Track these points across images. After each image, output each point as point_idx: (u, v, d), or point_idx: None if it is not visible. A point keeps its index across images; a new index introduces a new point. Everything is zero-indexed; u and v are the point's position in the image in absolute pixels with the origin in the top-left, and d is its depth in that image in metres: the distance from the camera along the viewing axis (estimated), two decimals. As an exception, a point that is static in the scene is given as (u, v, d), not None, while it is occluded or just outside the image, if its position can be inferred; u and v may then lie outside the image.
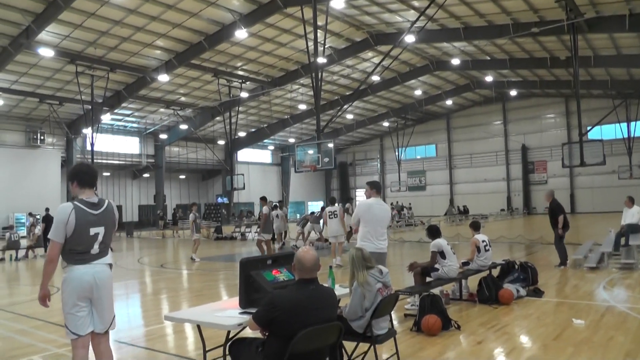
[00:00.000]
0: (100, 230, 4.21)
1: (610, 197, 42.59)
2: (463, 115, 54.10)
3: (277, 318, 3.61)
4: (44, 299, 4.41)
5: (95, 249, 4.20)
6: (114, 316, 4.39)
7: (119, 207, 44.64)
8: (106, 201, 4.35)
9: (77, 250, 4.14)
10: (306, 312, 3.65)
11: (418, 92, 43.38)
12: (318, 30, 21.08)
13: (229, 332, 4.27)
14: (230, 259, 17.46)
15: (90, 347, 4.31)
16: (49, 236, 4.15)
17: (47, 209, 22.38)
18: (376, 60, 32.51)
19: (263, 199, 16.63)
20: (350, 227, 19.77)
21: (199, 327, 4.48)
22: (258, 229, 16.87)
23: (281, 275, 4.51)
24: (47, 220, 20.11)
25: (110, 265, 4.38)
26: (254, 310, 4.01)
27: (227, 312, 4.36)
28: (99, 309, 4.24)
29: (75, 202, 4.18)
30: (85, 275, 4.14)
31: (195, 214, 17.21)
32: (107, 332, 4.35)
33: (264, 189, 54.19)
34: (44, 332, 7.49)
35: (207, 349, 4.56)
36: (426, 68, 36.98)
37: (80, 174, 4.31)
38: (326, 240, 18.68)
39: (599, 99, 40.29)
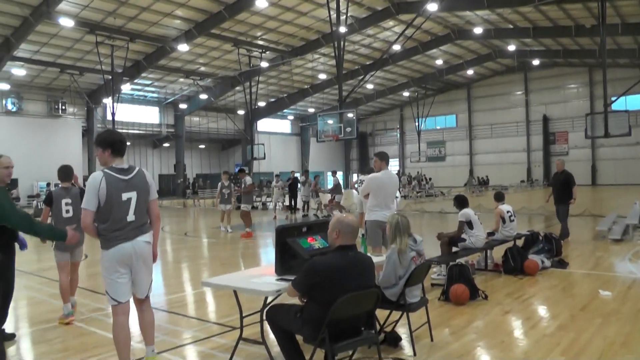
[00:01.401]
0: (133, 195, 4.22)
1: (634, 169, 42.15)
2: (484, 85, 53.42)
3: (318, 284, 3.68)
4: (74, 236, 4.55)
5: (131, 215, 4.21)
6: (151, 281, 4.52)
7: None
8: (137, 168, 4.40)
9: (114, 220, 4.15)
10: (346, 278, 3.72)
11: (439, 62, 42.88)
12: (340, -1, 20.88)
13: (266, 298, 4.36)
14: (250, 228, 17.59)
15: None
16: (82, 206, 4.16)
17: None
18: (397, 29, 32.12)
19: (241, 171, 16.42)
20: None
21: (235, 293, 4.57)
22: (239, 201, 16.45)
23: (316, 242, 4.56)
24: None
25: (150, 244, 4.40)
26: (290, 277, 4.09)
27: (264, 278, 4.44)
28: (140, 276, 4.33)
29: (105, 170, 4.22)
30: (125, 247, 4.19)
31: (224, 182, 16.12)
32: (147, 297, 4.49)
33: (284, 158, 54.48)
34: (76, 296, 7.66)
35: (243, 315, 4.67)
36: (448, 37, 36.51)
37: (116, 143, 4.33)
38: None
39: (625, 69, 39.48)
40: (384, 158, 7.41)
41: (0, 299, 4.87)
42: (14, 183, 32.88)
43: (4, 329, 5.16)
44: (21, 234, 4.98)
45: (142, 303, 4.48)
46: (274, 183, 24.43)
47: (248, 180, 15.74)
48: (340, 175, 61.21)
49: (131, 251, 4.20)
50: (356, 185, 16.31)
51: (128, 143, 44.84)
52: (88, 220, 4.13)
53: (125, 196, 4.17)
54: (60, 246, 6.13)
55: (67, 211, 6.29)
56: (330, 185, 22.74)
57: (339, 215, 4.06)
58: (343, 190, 21.65)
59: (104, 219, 4.16)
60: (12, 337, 5.66)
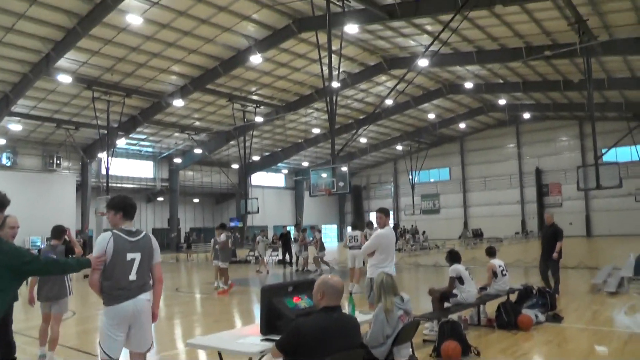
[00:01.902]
0: (137, 256, 4.48)
1: (628, 220, 42.21)
2: (477, 138, 54.05)
3: (302, 345, 3.61)
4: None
5: (133, 275, 4.43)
6: (152, 341, 4.68)
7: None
8: (144, 232, 4.70)
9: (116, 278, 4.37)
10: (331, 339, 3.65)
11: (431, 116, 43.47)
12: (332, 55, 21.27)
13: (250, 359, 4.27)
14: (244, 283, 17.42)
15: None
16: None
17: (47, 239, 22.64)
18: (390, 84, 32.71)
19: (219, 227, 15.76)
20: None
21: (219, 353, 4.49)
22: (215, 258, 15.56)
23: (302, 302, 4.51)
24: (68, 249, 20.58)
25: (149, 302, 4.60)
26: (275, 337, 4.02)
27: (248, 338, 4.36)
28: (138, 332, 4.49)
29: (115, 231, 4.53)
30: (126, 306, 4.39)
31: (217, 238, 15.36)
32: (144, 354, 4.62)
33: (278, 212, 54.44)
34: (61, 357, 7.50)
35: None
36: (439, 91, 37.13)
37: (128, 207, 4.67)
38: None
39: (614, 122, 40.09)
40: (388, 214, 7.60)
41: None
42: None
43: None
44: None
45: (139, 358, 4.59)
46: (258, 238, 24.39)
47: (222, 237, 15.20)
48: (334, 228, 61.16)
49: (132, 309, 4.40)
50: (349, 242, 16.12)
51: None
52: (96, 278, 4.39)
53: (129, 256, 4.45)
54: (42, 298, 6.49)
55: None
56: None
57: (324, 276, 4.02)
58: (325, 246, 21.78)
59: (107, 276, 4.39)
60: None
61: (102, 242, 4.41)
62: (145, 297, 4.53)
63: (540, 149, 50.13)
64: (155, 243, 4.73)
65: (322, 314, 3.82)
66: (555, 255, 11.46)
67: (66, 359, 7.30)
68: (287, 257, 24.55)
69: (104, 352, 4.38)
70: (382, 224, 7.50)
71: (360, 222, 18.80)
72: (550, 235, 11.82)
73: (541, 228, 48.29)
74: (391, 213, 56.58)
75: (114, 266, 4.38)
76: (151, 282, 4.63)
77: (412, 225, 45.10)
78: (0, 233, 5.18)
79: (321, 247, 21.20)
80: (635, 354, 6.74)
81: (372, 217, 62.44)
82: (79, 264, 4.45)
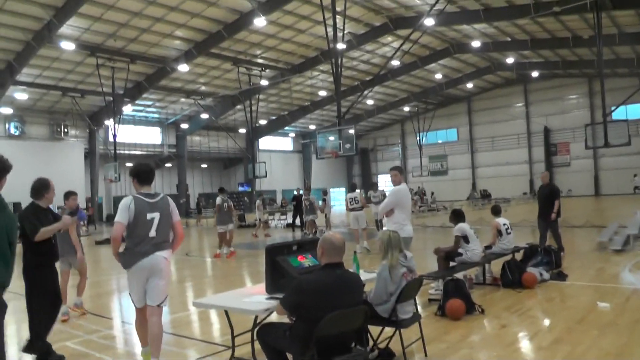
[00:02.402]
0: (156, 215, 5.02)
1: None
2: (484, 98, 53.54)
3: (305, 302, 3.69)
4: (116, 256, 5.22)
5: (153, 232, 4.99)
6: (166, 296, 5.10)
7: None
8: (162, 194, 5.24)
9: (138, 235, 4.94)
10: (333, 296, 3.73)
11: (438, 76, 43.05)
12: (337, 16, 21.03)
13: (256, 317, 4.37)
14: (253, 247, 17.60)
15: None
16: (115, 220, 4.96)
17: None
18: (396, 44, 32.30)
19: (219, 191, 15.54)
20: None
21: (226, 312, 4.59)
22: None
23: (306, 261, 4.59)
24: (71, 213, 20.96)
25: (166, 259, 5.10)
26: (280, 296, 4.10)
27: (254, 297, 4.45)
28: (153, 284, 4.99)
29: (135, 194, 5.11)
30: (144, 262, 4.94)
31: (223, 197, 15.08)
32: (159, 307, 5.05)
33: (285, 176, 54.58)
34: (74, 318, 7.69)
35: (234, 334, 4.67)
36: (446, 51, 36.68)
37: (141, 173, 5.22)
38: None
39: (624, 78, 39.53)
40: (402, 172, 7.50)
41: (50, 309, 5.54)
42: (17, 206, 32.98)
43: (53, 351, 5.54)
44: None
45: (153, 314, 5.00)
46: (258, 202, 24.00)
47: (217, 200, 15.09)
48: (342, 191, 61.28)
49: (148, 265, 4.94)
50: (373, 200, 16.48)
51: (129, 164, 45.27)
52: (119, 232, 4.93)
53: (149, 216, 4.99)
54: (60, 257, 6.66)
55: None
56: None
57: (326, 233, 4.08)
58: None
59: (130, 234, 4.98)
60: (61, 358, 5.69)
61: (126, 204, 4.97)
62: (162, 254, 5.02)
63: (549, 107, 49.63)
64: (172, 204, 5.24)
65: (324, 271, 3.90)
66: (553, 215, 11.22)
67: (77, 320, 7.47)
68: (298, 220, 24.24)
69: (133, 302, 5.12)
70: (398, 181, 7.41)
71: (354, 184, 18.80)
72: (547, 195, 11.54)
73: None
74: (399, 175, 56.64)
75: (136, 224, 4.93)
76: (171, 238, 5.21)
77: (419, 187, 45.13)
78: (45, 197, 5.74)
79: (312, 210, 21.07)
80: (635, 308, 6.81)
81: (380, 179, 62.71)
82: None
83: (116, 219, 4.96)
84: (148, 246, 4.95)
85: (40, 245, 5.48)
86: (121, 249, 5.02)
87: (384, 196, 17.98)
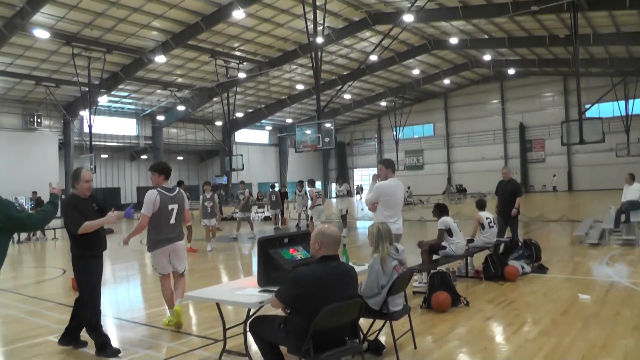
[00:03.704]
0: (175, 206, 6.26)
1: (609, 175, 42.83)
2: (461, 94, 54.04)
3: (301, 295, 3.67)
4: (127, 241, 6.54)
5: (172, 219, 6.24)
6: (185, 265, 6.69)
7: (117, 189, 44.70)
8: (177, 188, 6.46)
9: (162, 222, 6.15)
10: (329, 288, 3.72)
11: (416, 72, 43.24)
12: (317, 10, 20.95)
13: (249, 310, 4.33)
14: (230, 240, 17.49)
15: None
16: (142, 212, 6.08)
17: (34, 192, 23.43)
18: (374, 40, 32.40)
19: (206, 184, 15.26)
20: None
21: (218, 305, 4.55)
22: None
23: (298, 253, 4.56)
24: (38, 204, 22.04)
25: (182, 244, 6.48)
26: (273, 289, 4.08)
27: (246, 290, 4.42)
28: (177, 262, 6.48)
29: (158, 189, 6.19)
30: (164, 249, 6.27)
31: (206, 195, 14.63)
32: (183, 274, 6.62)
33: (262, 169, 54.39)
34: (55, 312, 7.56)
35: (226, 327, 4.63)
36: (424, 47, 36.88)
37: (168, 171, 6.40)
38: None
39: (598, 77, 40.25)
40: (389, 165, 7.03)
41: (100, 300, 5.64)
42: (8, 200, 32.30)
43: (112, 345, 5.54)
44: (131, 207, 6.26)
45: (180, 277, 6.59)
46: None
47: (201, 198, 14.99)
48: (319, 184, 61.28)
49: (170, 250, 6.33)
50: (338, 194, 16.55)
51: (105, 156, 44.88)
52: (145, 222, 6.14)
53: (170, 207, 6.21)
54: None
55: None
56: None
57: (321, 226, 4.06)
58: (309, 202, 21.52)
59: (155, 222, 6.15)
60: (84, 344, 5.67)
61: (152, 196, 6.07)
62: (180, 243, 6.45)
63: (524, 104, 50.32)
64: (184, 196, 6.54)
65: (320, 264, 3.88)
66: (514, 211, 11.17)
67: (59, 315, 7.36)
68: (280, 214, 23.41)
69: (159, 272, 6.40)
70: (383, 175, 6.95)
71: (341, 176, 18.96)
72: (510, 191, 11.38)
73: (524, 183, 49.05)
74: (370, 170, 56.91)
75: (160, 214, 6.10)
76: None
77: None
78: (77, 187, 5.55)
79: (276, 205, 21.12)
80: (615, 300, 6.94)
81: (357, 173, 62.90)
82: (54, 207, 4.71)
83: (143, 211, 6.04)
84: (169, 233, 6.22)
85: (84, 236, 5.36)
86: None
87: (349, 191, 18.05)
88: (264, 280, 4.42)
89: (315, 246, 3.93)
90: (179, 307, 6.26)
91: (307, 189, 16.52)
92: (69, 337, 5.63)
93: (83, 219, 5.32)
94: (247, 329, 4.27)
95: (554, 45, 32.48)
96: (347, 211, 18.42)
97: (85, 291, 5.43)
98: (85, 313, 5.43)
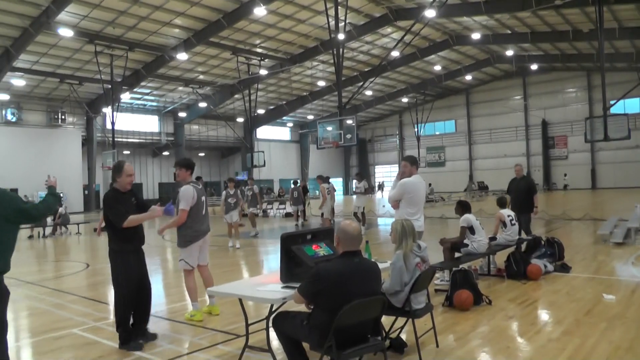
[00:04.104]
0: (204, 198, 6.74)
1: (633, 172, 42.20)
2: (483, 90, 53.55)
3: (323, 290, 3.68)
4: (162, 231, 6.95)
5: (204, 210, 6.72)
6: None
7: (139, 185, 45.16)
8: (200, 182, 7.19)
9: (197, 214, 6.56)
10: (351, 284, 3.72)
11: (437, 68, 42.98)
12: (338, 6, 20.91)
13: (271, 305, 4.36)
14: (251, 237, 17.55)
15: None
16: (181, 207, 6.41)
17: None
18: (395, 35, 32.24)
19: (230, 180, 15.29)
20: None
21: (240, 301, 4.58)
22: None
23: (321, 250, 4.56)
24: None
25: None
26: (295, 285, 4.09)
27: (269, 286, 4.44)
28: (203, 253, 6.85)
29: (192, 184, 6.57)
30: (197, 244, 6.64)
31: (229, 191, 14.50)
32: (207, 264, 6.99)
33: (283, 165, 54.55)
34: (79, 305, 7.69)
35: (249, 322, 4.66)
36: (446, 43, 36.62)
37: (193, 166, 6.80)
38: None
39: (623, 72, 39.55)
40: (414, 162, 6.99)
41: (135, 296, 5.61)
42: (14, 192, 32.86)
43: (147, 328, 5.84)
44: (170, 205, 6.23)
45: (206, 269, 6.96)
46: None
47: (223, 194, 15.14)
48: (339, 181, 61.22)
49: (202, 243, 6.71)
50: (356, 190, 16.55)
51: (127, 152, 45.33)
52: (185, 217, 6.45)
53: (202, 199, 6.66)
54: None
55: None
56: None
57: (342, 222, 4.08)
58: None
59: (194, 215, 6.51)
60: (154, 337, 5.77)
61: (190, 192, 6.45)
62: (209, 234, 6.87)
63: (547, 100, 49.70)
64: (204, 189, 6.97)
65: (342, 259, 3.88)
66: (536, 210, 10.92)
67: (83, 308, 7.47)
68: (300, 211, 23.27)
69: (188, 264, 6.63)
70: (408, 172, 6.87)
71: (359, 173, 18.96)
72: (524, 189, 11.08)
73: (547, 180, 48.55)
74: (397, 166, 56.71)
75: (197, 206, 6.53)
76: None
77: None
78: (119, 181, 5.59)
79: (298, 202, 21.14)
80: (643, 301, 6.83)
81: (378, 169, 62.75)
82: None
83: (182, 206, 6.39)
84: (203, 225, 6.66)
85: (124, 230, 5.42)
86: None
87: (367, 189, 17.92)
88: (287, 276, 4.44)
89: (336, 243, 3.96)
90: (217, 308, 6.87)
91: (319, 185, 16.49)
92: (137, 335, 5.58)
93: (126, 213, 5.38)
94: (270, 325, 4.29)
95: (578, 39, 32.01)
96: (364, 209, 18.14)
97: (122, 286, 5.48)
98: (118, 308, 5.50)
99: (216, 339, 5.73)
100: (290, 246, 4.48)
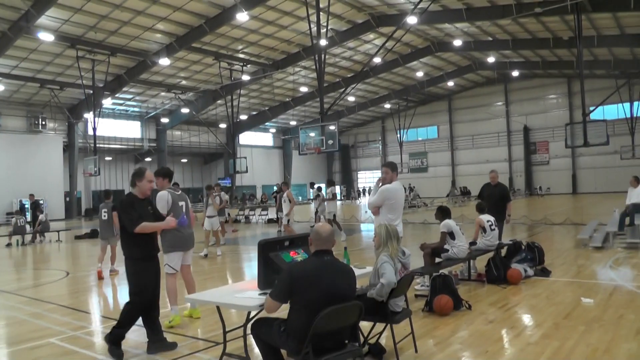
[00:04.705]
0: (183, 203, 6.96)
1: (613, 177, 42.72)
2: (465, 96, 54.00)
3: (295, 287, 3.71)
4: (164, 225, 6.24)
5: (183, 213, 6.74)
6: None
7: (121, 192, 44.82)
8: (180, 189, 7.29)
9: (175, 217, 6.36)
10: (323, 278, 3.76)
11: (420, 74, 43.25)
12: (320, 12, 20.94)
13: (249, 312, 4.33)
14: (233, 242, 17.50)
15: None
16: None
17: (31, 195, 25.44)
18: (378, 42, 32.41)
19: (216, 185, 15.95)
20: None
21: (218, 308, 4.55)
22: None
23: (299, 256, 4.56)
24: (36, 206, 24.14)
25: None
26: (273, 291, 4.07)
27: (247, 293, 4.41)
28: (187, 254, 7.00)
29: (167, 190, 6.86)
30: (185, 236, 6.79)
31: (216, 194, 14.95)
32: (189, 265, 7.14)
33: (266, 171, 54.44)
34: (57, 314, 7.58)
35: (226, 330, 4.62)
36: (428, 49, 36.88)
37: (171, 174, 7.10)
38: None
39: (602, 79, 40.11)
40: (395, 169, 7.03)
41: (145, 304, 5.53)
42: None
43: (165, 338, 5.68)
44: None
45: (189, 270, 7.15)
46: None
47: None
48: (322, 187, 61.21)
49: (187, 236, 6.85)
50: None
51: (109, 158, 45.00)
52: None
53: (180, 203, 6.90)
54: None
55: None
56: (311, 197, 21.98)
57: (316, 224, 4.12)
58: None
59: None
60: (174, 346, 5.59)
61: (164, 197, 6.71)
62: (190, 230, 6.91)
63: (529, 107, 50.24)
64: (185, 196, 7.22)
65: (313, 258, 3.96)
66: (508, 217, 10.68)
67: (61, 317, 7.37)
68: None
69: (172, 268, 6.72)
70: (389, 179, 6.92)
71: (330, 180, 19.06)
72: (499, 196, 10.71)
73: (529, 186, 48.95)
74: (373, 173, 56.84)
75: (175, 211, 6.64)
76: None
77: (411, 185, 44.46)
78: (139, 185, 5.68)
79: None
80: (619, 304, 6.90)
81: (361, 175, 62.93)
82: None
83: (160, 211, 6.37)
84: (184, 230, 6.66)
85: (138, 237, 5.40)
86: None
87: (334, 195, 17.73)
88: (264, 283, 4.42)
89: (310, 244, 4.04)
90: (198, 311, 7.02)
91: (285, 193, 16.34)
92: (156, 343, 5.53)
93: (140, 219, 5.36)
94: (248, 332, 4.26)
95: (558, 47, 32.42)
96: (334, 215, 17.82)
97: (134, 293, 5.42)
98: (127, 312, 5.41)
99: (196, 346, 5.67)
100: (268, 253, 4.46)
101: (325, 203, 17.34)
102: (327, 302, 3.65)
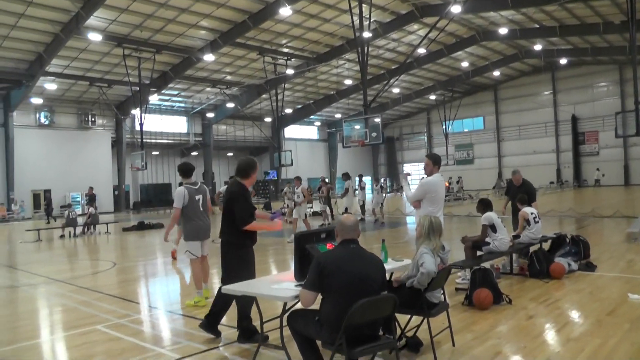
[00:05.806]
0: (200, 197, 7.54)
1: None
2: (511, 86, 52.85)
3: (325, 275, 3.81)
4: (166, 236, 7.94)
5: (200, 207, 7.53)
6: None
7: (168, 185, 45.81)
8: (199, 182, 7.75)
9: (192, 211, 7.42)
10: (350, 265, 3.87)
11: (465, 64, 42.59)
12: (363, 4, 20.87)
13: (285, 303, 4.41)
14: (279, 234, 17.66)
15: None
16: (174, 205, 7.46)
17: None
18: (421, 32, 32.06)
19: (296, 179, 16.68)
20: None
21: (255, 299, 4.65)
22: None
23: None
24: (91, 199, 25.16)
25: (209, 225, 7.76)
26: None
27: (283, 284, 4.50)
28: (205, 244, 7.73)
29: (185, 185, 7.48)
30: (201, 228, 7.56)
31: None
32: (206, 255, 7.80)
33: (311, 164, 54.63)
34: (104, 303, 7.87)
35: (263, 321, 4.72)
36: (473, 39, 36.28)
37: (185, 171, 7.70)
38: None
39: (656, 66, 38.59)
40: (437, 162, 6.99)
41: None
42: (47, 193, 33.68)
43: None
44: (277, 213, 6.15)
45: (204, 259, 7.77)
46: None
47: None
48: (368, 179, 61.06)
49: (204, 228, 7.60)
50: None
51: (156, 153, 45.93)
52: (177, 214, 7.46)
53: (196, 197, 7.49)
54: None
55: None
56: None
57: (342, 216, 4.22)
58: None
59: (187, 212, 7.41)
60: (266, 338, 5.40)
61: (180, 193, 7.38)
62: (208, 222, 7.68)
63: (577, 95, 48.78)
64: (206, 188, 7.85)
65: (339, 246, 4.10)
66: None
67: (108, 305, 7.64)
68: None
69: (193, 254, 7.49)
70: (429, 170, 6.91)
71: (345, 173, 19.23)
72: (526, 194, 9.98)
73: (577, 177, 47.65)
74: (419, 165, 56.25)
75: (190, 204, 7.38)
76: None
77: (459, 177, 43.81)
78: (253, 176, 5.69)
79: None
80: (669, 300, 6.69)
81: (406, 167, 62.47)
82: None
83: (175, 205, 7.40)
84: (202, 220, 7.51)
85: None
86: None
87: (347, 189, 17.89)
88: (301, 274, 4.47)
89: (336, 234, 4.19)
90: (207, 292, 7.66)
91: (297, 188, 16.45)
92: (209, 323, 5.72)
93: (252, 216, 5.46)
94: (284, 323, 4.35)
95: (609, 32, 31.37)
96: (346, 209, 18.08)
97: (232, 280, 5.27)
98: (238, 303, 5.41)
99: (233, 337, 5.74)
100: (305, 245, 4.53)
101: (356, 196, 17.47)
102: (357, 288, 3.73)
